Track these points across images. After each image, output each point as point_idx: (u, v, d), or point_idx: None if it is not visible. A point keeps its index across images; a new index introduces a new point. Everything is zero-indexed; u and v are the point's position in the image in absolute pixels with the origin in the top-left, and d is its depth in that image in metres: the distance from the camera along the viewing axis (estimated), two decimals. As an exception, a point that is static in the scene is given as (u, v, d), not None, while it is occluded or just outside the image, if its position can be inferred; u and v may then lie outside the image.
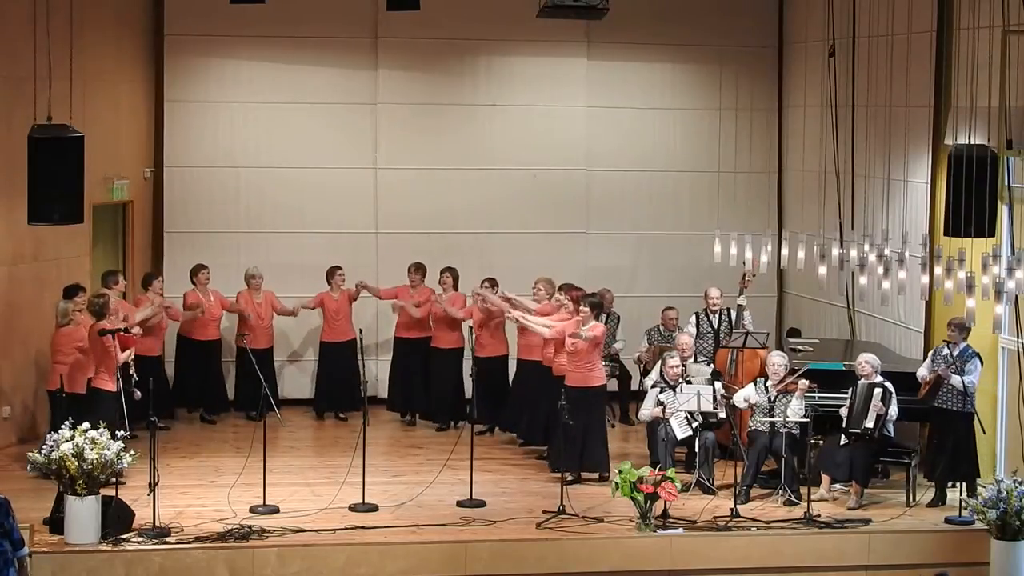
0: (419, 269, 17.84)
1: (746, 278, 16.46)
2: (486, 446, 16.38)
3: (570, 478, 14.76)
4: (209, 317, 17.54)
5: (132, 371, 14.68)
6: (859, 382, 14.56)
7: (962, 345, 14.28)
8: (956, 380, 14.18)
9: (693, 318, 16.79)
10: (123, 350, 14.50)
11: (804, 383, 14.69)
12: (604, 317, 16.24)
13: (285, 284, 18.20)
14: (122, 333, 14.51)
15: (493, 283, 17.11)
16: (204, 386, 17.66)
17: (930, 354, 14.72)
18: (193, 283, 17.58)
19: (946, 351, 14.35)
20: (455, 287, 17.58)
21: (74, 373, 14.73)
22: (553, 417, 14.87)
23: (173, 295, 17.59)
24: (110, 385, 14.28)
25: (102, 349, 14.30)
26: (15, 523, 10.96)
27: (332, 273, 17.88)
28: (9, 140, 15.14)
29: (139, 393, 14.48)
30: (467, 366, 16.45)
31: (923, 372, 14.62)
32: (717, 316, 16.66)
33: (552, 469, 15.24)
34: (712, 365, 16.09)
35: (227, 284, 18.00)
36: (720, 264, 16.47)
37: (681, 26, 19.28)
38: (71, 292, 15.53)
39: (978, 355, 14.31)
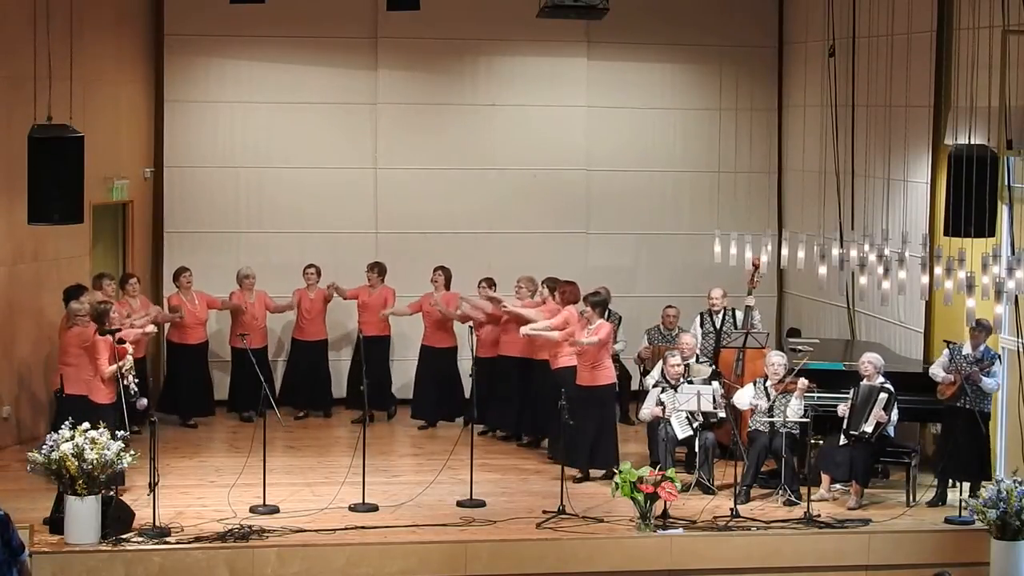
0: (374, 268, 17.78)
1: (754, 278, 16.43)
2: (486, 446, 16.39)
3: (578, 476, 14.90)
4: (194, 320, 17.38)
5: (128, 381, 14.13)
6: (861, 382, 14.54)
7: (983, 347, 14.24)
8: (988, 382, 14.14)
9: (697, 319, 16.76)
10: (117, 360, 14.20)
11: (804, 382, 14.68)
12: (607, 314, 16.15)
13: (285, 284, 18.17)
14: (116, 343, 14.25)
15: (491, 283, 17.08)
16: (191, 391, 17.44)
17: (945, 353, 14.49)
18: (176, 286, 17.47)
19: (967, 351, 14.27)
20: (447, 286, 17.55)
21: (79, 374, 14.61)
22: (554, 411, 14.83)
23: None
24: (102, 397, 14.07)
25: (94, 354, 14.16)
26: (15, 532, 10.91)
27: (304, 271, 17.88)
28: (9, 140, 15.12)
29: (145, 401, 14.30)
30: (465, 365, 16.52)
31: (939, 372, 14.44)
32: (720, 316, 16.63)
33: (554, 460, 15.24)
34: (713, 366, 16.08)
35: (226, 284, 17.95)
36: (720, 264, 16.46)
37: (681, 26, 19.27)
38: (75, 292, 15.44)
39: (999, 356, 14.30)
